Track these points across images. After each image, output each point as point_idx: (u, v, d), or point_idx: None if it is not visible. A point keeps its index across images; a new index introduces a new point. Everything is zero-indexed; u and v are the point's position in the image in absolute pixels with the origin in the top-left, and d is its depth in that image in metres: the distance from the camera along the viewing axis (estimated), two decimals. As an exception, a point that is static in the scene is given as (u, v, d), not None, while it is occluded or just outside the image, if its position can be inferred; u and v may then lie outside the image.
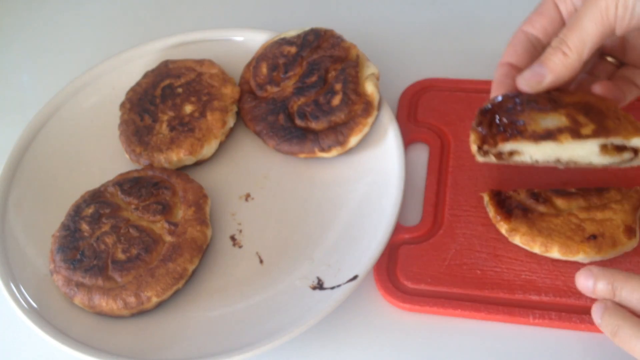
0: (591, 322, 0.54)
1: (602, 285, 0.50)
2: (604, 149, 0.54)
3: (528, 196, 0.59)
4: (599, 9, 0.53)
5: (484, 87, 0.72)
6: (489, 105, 0.57)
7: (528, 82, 0.57)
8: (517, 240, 0.58)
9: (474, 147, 0.57)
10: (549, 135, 0.54)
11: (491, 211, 0.60)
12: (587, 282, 0.51)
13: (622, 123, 0.54)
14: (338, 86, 0.67)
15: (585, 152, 0.54)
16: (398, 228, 0.63)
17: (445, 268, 0.60)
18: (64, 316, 0.60)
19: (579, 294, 0.56)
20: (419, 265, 0.60)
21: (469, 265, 0.59)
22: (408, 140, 0.69)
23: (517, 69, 0.59)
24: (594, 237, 0.56)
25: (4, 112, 0.84)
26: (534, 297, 0.57)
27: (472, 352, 0.56)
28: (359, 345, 0.58)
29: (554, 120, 0.55)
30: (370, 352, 0.57)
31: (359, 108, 0.67)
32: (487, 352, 0.56)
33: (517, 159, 0.56)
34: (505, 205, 0.59)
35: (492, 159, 0.57)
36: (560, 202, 0.59)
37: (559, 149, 0.54)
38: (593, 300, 0.51)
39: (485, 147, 0.56)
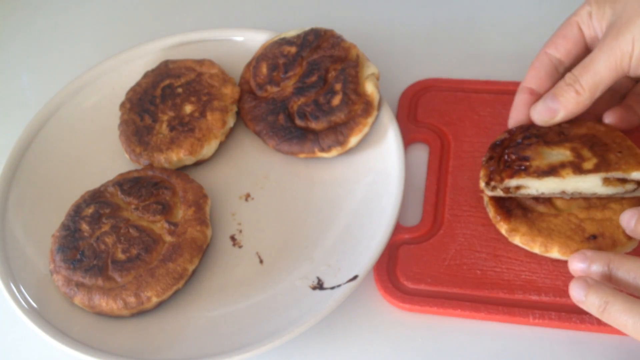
0: (591, 322, 0.54)
1: (597, 267, 0.51)
2: (607, 181, 0.56)
3: (535, 196, 0.59)
4: (614, 56, 0.55)
5: (484, 87, 0.72)
6: (499, 141, 0.61)
7: (541, 116, 0.60)
8: (517, 240, 0.58)
9: (482, 183, 0.60)
10: (552, 171, 0.57)
11: (491, 211, 0.60)
12: (581, 265, 0.52)
13: (624, 156, 0.57)
14: (338, 86, 0.67)
15: (588, 184, 0.57)
16: (398, 228, 0.63)
17: (445, 268, 0.60)
18: (64, 316, 0.60)
19: (579, 294, 0.56)
20: (419, 265, 0.60)
21: (469, 265, 0.59)
22: (408, 140, 0.69)
23: (537, 95, 0.62)
24: (594, 237, 0.56)
25: (4, 112, 0.84)
26: (534, 297, 0.57)
27: (472, 352, 0.56)
28: (359, 345, 0.58)
29: (559, 154, 0.58)
30: (370, 352, 0.57)
31: (359, 108, 0.67)
32: (487, 352, 0.56)
33: (523, 192, 0.59)
34: (505, 205, 0.59)
35: (500, 193, 0.59)
36: (560, 202, 0.59)
37: (562, 183, 0.57)
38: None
39: (493, 183, 0.59)
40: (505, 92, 0.71)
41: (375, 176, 0.65)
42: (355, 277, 0.58)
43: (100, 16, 0.94)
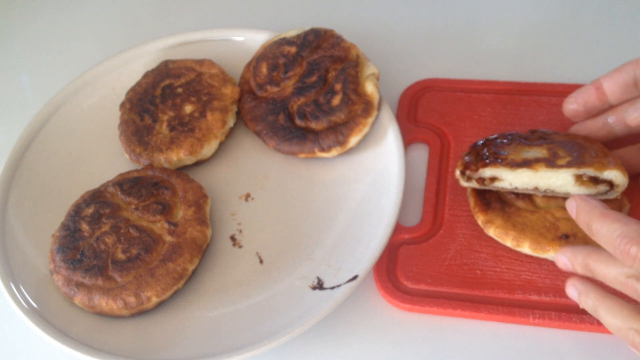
0: (591, 322, 0.54)
1: (579, 267, 0.51)
2: (579, 179, 0.56)
3: (509, 191, 0.60)
4: None
5: (484, 87, 0.72)
6: (482, 141, 0.62)
7: (634, 120, 0.58)
8: (492, 232, 0.59)
9: (457, 172, 0.61)
10: (525, 163, 0.57)
11: (471, 201, 0.61)
12: (565, 265, 0.52)
13: (598, 156, 0.57)
14: (338, 86, 0.67)
15: (561, 182, 0.57)
16: (398, 228, 0.63)
17: (445, 268, 0.60)
18: (64, 316, 0.60)
19: (579, 294, 0.56)
20: (419, 265, 0.60)
21: (469, 265, 0.59)
22: (408, 140, 0.69)
23: (602, 94, 0.60)
24: (565, 236, 0.57)
25: (4, 112, 0.84)
26: (534, 297, 0.57)
27: (472, 352, 0.56)
28: (359, 345, 0.58)
29: (535, 152, 0.58)
30: (370, 352, 0.57)
31: (359, 108, 0.67)
32: (487, 352, 0.56)
33: (497, 185, 0.59)
34: (485, 197, 0.60)
35: (474, 184, 0.60)
36: (539, 200, 0.60)
37: (535, 177, 0.57)
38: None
39: (468, 172, 0.60)
40: (505, 92, 0.71)
41: (375, 176, 0.65)
42: (355, 277, 0.58)
43: (100, 16, 0.94)
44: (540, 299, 0.57)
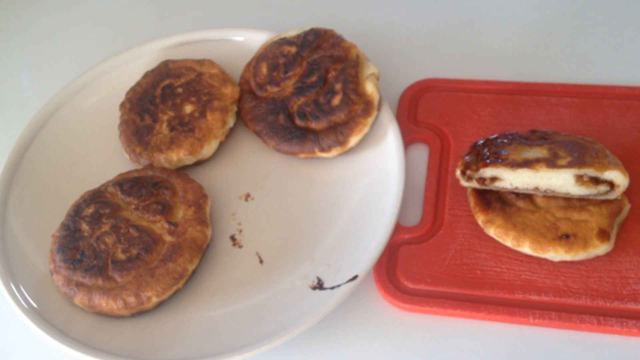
0: (591, 322, 0.54)
1: None
2: (580, 179, 0.57)
3: (510, 191, 0.60)
4: None
5: (484, 87, 0.72)
6: (482, 141, 0.62)
7: None
8: (492, 232, 0.59)
9: (457, 172, 0.61)
10: (526, 163, 0.57)
11: (472, 201, 0.61)
12: None
13: (599, 157, 0.57)
14: (338, 86, 0.67)
15: (561, 182, 0.57)
16: (398, 228, 0.63)
17: (445, 268, 0.60)
18: (64, 316, 0.60)
19: (579, 294, 0.56)
20: (419, 265, 0.60)
21: (469, 265, 0.59)
22: (408, 140, 0.69)
23: None
24: (566, 236, 0.57)
25: (4, 112, 0.84)
26: (534, 297, 0.57)
27: (472, 352, 0.56)
28: (359, 345, 0.58)
29: (536, 152, 0.59)
30: (370, 352, 0.57)
31: (359, 108, 0.67)
32: (487, 352, 0.56)
33: (498, 184, 0.59)
34: (486, 197, 0.61)
35: (475, 184, 0.60)
36: (540, 200, 0.60)
37: (535, 177, 0.57)
38: (593, 300, 0.51)
39: (468, 172, 0.60)
40: (505, 92, 0.71)
41: (375, 176, 0.65)
42: (355, 277, 0.58)
43: (100, 16, 0.94)
44: (540, 299, 0.57)
